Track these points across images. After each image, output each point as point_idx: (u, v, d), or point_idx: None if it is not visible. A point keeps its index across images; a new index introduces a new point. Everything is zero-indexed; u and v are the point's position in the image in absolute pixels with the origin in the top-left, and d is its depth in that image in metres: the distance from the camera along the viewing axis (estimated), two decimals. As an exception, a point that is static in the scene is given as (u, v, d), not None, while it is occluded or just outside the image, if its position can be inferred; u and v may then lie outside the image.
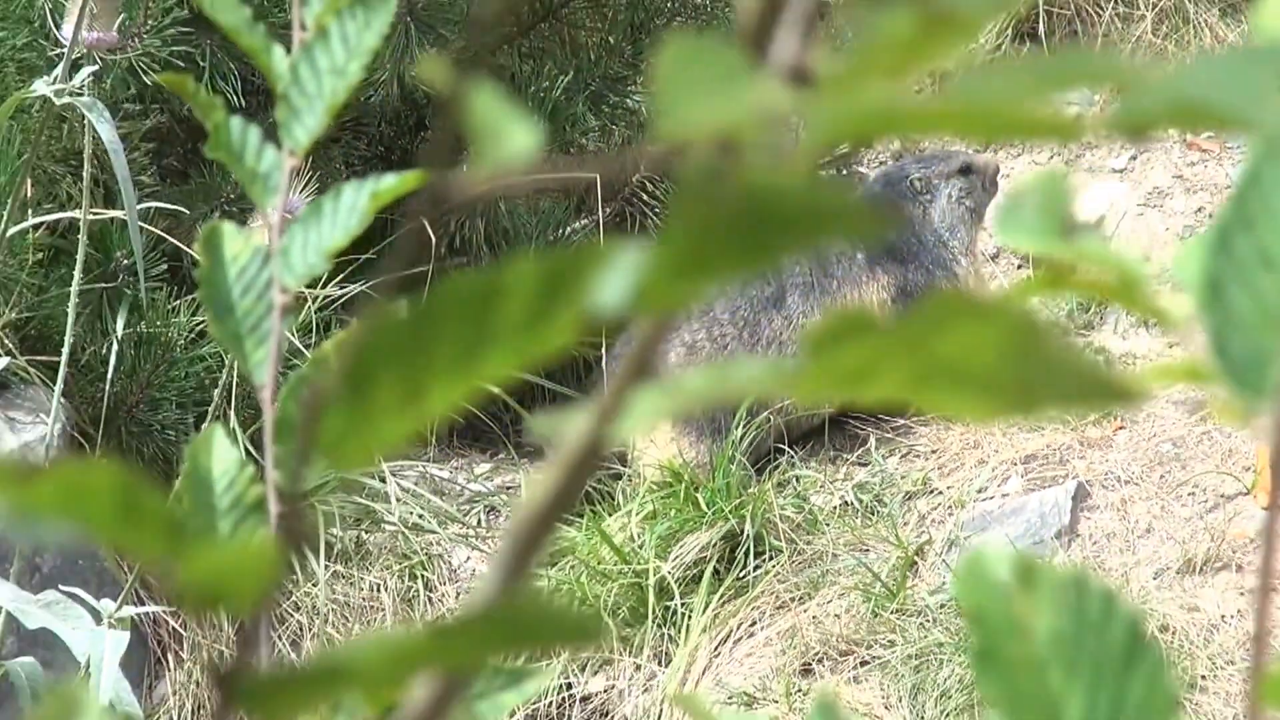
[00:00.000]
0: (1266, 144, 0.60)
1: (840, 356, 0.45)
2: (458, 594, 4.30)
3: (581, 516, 4.31)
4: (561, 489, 0.49)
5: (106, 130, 2.59)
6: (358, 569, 4.29)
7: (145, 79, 4.22)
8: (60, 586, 2.64)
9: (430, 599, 4.29)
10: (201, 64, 4.44)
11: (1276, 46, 0.45)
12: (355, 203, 0.90)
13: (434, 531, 4.41)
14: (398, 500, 4.41)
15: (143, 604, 3.82)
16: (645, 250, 0.44)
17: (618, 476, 4.44)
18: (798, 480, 4.45)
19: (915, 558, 4.16)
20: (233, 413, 3.98)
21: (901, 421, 4.57)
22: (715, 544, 4.21)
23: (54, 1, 4.16)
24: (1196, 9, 5.41)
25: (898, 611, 4.03)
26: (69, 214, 3.62)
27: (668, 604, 4.16)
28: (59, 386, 3.01)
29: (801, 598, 4.14)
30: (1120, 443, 4.34)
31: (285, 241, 0.90)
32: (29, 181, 4.06)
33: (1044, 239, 0.66)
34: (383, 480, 4.43)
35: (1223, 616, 3.89)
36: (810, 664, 4.02)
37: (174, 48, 4.26)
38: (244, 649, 0.56)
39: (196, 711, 4.08)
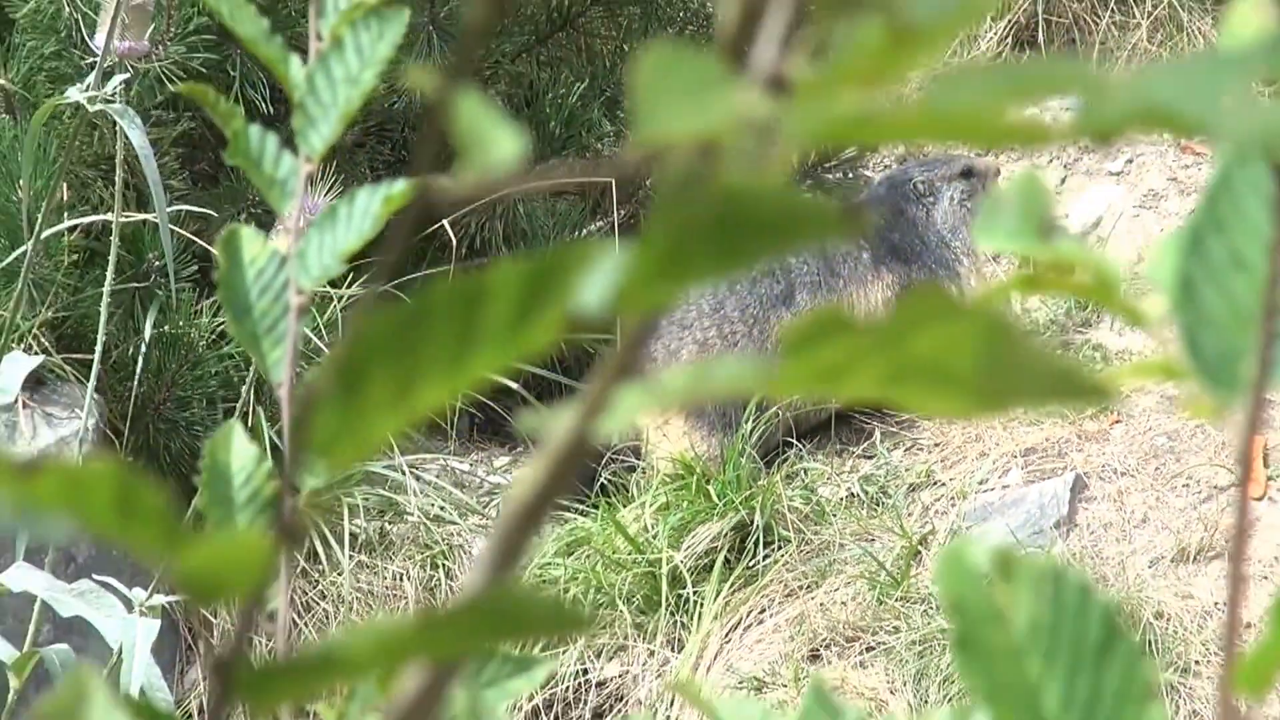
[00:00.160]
0: (1237, 149, 0.60)
1: (817, 355, 0.45)
2: (478, 583, 4.33)
3: (597, 508, 4.31)
4: (547, 483, 0.49)
5: (137, 136, 2.57)
6: (381, 559, 4.29)
7: (175, 86, 4.23)
8: (94, 575, 2.57)
9: (451, 588, 4.27)
10: (232, 73, 4.42)
11: (1240, 51, 0.45)
12: (369, 207, 0.90)
13: (455, 523, 4.40)
14: (420, 493, 4.40)
15: (173, 592, 3.86)
16: (626, 252, 0.45)
17: (632, 469, 4.42)
18: (805, 472, 4.45)
19: (919, 547, 4.15)
20: (261, 410, 3.94)
21: (905, 416, 4.54)
22: (726, 534, 4.20)
23: (82, 12, 4.16)
24: (1190, 17, 5.39)
25: (902, 599, 4.03)
26: (102, 217, 3.60)
27: (680, 592, 4.15)
28: (92, 383, 2.99)
29: (809, 586, 4.13)
30: (1117, 436, 4.32)
31: (302, 244, 0.90)
32: (64, 185, 4.07)
33: (1022, 240, 0.67)
34: (406, 473, 4.41)
35: (1216, 604, 3.88)
36: (818, 650, 4.01)
37: (205, 55, 4.24)
38: (238, 638, 0.55)
39: (226, 696, 4.12)
